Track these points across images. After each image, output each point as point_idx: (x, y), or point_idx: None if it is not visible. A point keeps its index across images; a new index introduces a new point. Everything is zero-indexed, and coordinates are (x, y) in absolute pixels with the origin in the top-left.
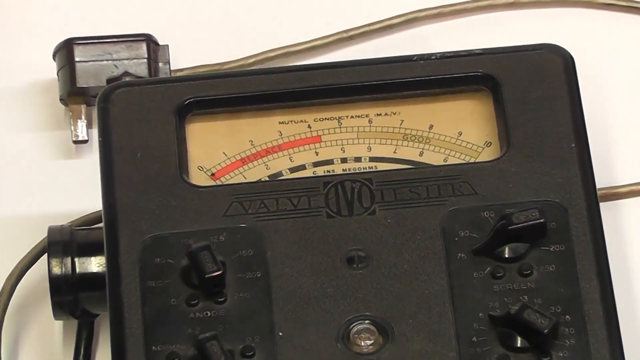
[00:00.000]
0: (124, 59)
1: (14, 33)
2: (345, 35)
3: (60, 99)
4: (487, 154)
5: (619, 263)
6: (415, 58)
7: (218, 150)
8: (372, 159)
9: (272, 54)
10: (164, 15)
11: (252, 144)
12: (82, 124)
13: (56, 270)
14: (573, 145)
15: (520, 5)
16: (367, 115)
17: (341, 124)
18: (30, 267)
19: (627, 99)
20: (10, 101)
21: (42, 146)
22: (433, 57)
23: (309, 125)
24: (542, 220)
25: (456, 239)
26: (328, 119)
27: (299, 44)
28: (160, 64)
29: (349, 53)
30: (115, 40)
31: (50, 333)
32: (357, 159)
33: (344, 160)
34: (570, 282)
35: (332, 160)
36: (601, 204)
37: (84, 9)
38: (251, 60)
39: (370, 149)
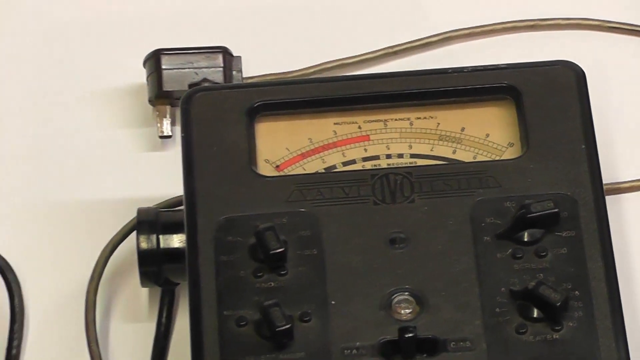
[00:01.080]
0: (203, 68)
1: (111, 44)
2: (390, 50)
3: (149, 101)
4: (510, 153)
5: (620, 248)
6: (449, 71)
7: (282, 146)
8: (412, 156)
9: (329, 65)
10: (238, 30)
11: (310, 141)
12: (167, 122)
13: (143, 245)
14: (583, 146)
15: (540, 27)
16: (408, 119)
17: (386, 125)
18: (121, 242)
19: (628, 109)
20: (107, 102)
21: (133, 140)
22: (465, 70)
23: (359, 126)
24: (555, 210)
25: (482, 224)
26: (375, 121)
27: (351, 57)
28: (234, 72)
29: (393, 65)
30: (196, 51)
31: (137, 299)
32: (400, 155)
33: (388, 156)
34: (579, 263)
35: (379, 156)
36: (606, 197)
37: (170, 24)
38: (311, 70)
39: (411, 147)
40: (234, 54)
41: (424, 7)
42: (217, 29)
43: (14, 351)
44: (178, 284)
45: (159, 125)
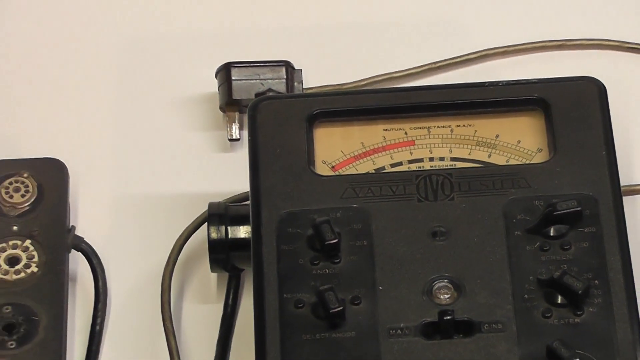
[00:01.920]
0: (268, 79)
1: (187, 58)
2: (434, 65)
3: (220, 108)
4: (539, 158)
5: (636, 243)
6: (486, 84)
7: (337, 149)
8: (452, 159)
9: (380, 78)
10: (299, 45)
11: (362, 145)
12: (235, 127)
13: (214, 235)
14: (603, 152)
15: (567, 47)
16: (449, 126)
17: (430, 132)
18: (194, 232)
19: None
20: (184, 108)
21: (205, 142)
22: (500, 84)
23: (405, 132)
24: (579, 208)
25: (514, 220)
26: (420, 128)
27: (399, 71)
28: (295, 83)
29: (436, 79)
30: (262, 64)
31: (207, 283)
32: (441, 159)
33: (431, 159)
34: (599, 256)
35: (422, 159)
36: (623, 198)
37: (239, 40)
38: (363, 82)
39: (451, 151)
40: (296, 67)
41: (465, 27)
42: (281, 44)
43: (97, 327)
44: (243, 269)
45: (228, 129)
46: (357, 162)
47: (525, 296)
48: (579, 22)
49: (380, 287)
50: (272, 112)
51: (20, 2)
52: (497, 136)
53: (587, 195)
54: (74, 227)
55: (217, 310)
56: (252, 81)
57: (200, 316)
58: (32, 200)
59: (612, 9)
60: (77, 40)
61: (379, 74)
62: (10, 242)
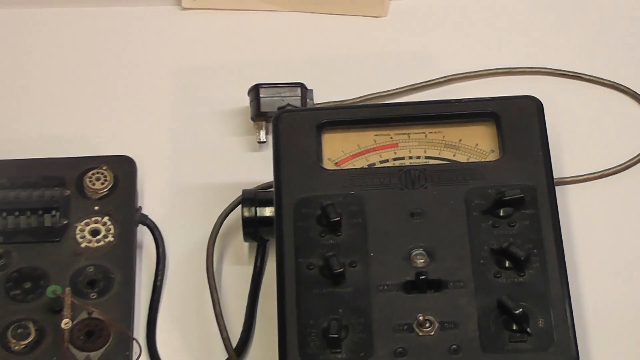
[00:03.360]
0: (287, 96)
1: (227, 81)
2: (412, 87)
3: (251, 118)
4: (492, 157)
5: (564, 221)
6: (452, 101)
7: (339, 149)
8: (426, 157)
9: (371, 96)
10: (311, 71)
11: (358, 147)
12: (263, 132)
13: (246, 213)
14: (540, 153)
15: (513, 73)
16: (424, 132)
17: (409, 137)
18: (231, 211)
19: (571, 127)
20: (224, 118)
21: (240, 144)
22: (462, 101)
23: (391, 137)
24: (521, 195)
25: (472, 204)
26: (402, 134)
27: (386, 91)
28: (308, 100)
29: (415, 96)
30: (282, 85)
31: (241, 250)
32: (418, 157)
33: (410, 157)
34: (537, 231)
35: (404, 157)
36: (555, 188)
37: (265, 66)
38: (358, 99)
39: (425, 151)
40: (308, 88)
41: (435, 57)
42: (297, 70)
43: (158, 283)
44: (268, 240)
45: (257, 134)
46: (355, 159)
47: (481, 261)
48: (522, 53)
49: (372, 254)
50: (290, 121)
51: (108, 34)
52: (460, 140)
53: (528, 185)
54: (140, 207)
55: (248, 271)
56: (275, 98)
57: (235, 275)
58: (109, 187)
59: (549, 44)
60: (146, 64)
61: (370, 93)
62: (93, 219)
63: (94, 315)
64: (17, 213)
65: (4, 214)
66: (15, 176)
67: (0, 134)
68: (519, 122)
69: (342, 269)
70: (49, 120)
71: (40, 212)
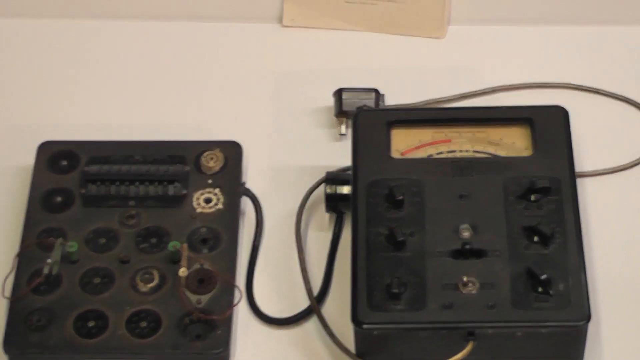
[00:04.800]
0: (364, 99)
1: (316, 84)
2: (464, 95)
3: (335, 115)
4: (526, 153)
5: (582, 206)
6: (495, 107)
7: (404, 143)
8: (473, 151)
9: (431, 101)
10: (383, 79)
11: (419, 141)
12: (343, 126)
13: (329, 190)
14: (565, 151)
15: (545, 87)
16: (472, 132)
17: (460, 134)
18: (316, 188)
19: (591, 131)
20: (313, 115)
21: (324, 135)
22: (504, 107)
23: (445, 134)
24: (549, 185)
25: (509, 190)
26: (454, 132)
27: (443, 97)
28: (380, 102)
29: (466, 103)
30: (360, 90)
31: (323, 219)
32: (466, 151)
33: (460, 151)
34: (560, 212)
35: (455, 150)
36: (576, 180)
37: (346, 75)
38: (421, 103)
39: (473, 147)
40: (381, 93)
41: (482, 72)
42: (372, 78)
43: (256, 243)
44: (345, 212)
45: (339, 128)
46: (416, 151)
47: (514, 236)
48: (553, 71)
49: (427, 227)
50: (366, 119)
51: (224, 45)
52: (500, 139)
53: (554, 177)
54: (244, 182)
55: (327, 237)
56: (354, 100)
57: (317, 240)
58: (221, 165)
59: (574, 64)
60: (253, 69)
61: (430, 98)
62: (207, 190)
63: (205, 266)
64: (147, 183)
65: (137, 184)
66: (147, 154)
67: (139, 119)
68: (548, 126)
69: (403, 238)
70: (175, 111)
71: (165, 183)
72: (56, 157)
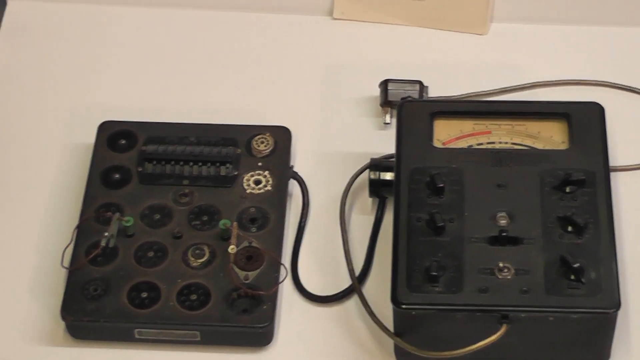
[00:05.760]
0: (409, 90)
1: (363, 75)
2: (504, 89)
3: (380, 104)
4: (562, 146)
5: (614, 199)
6: (534, 102)
7: (446, 132)
8: (512, 143)
9: (472, 94)
10: (428, 72)
11: (461, 132)
12: (388, 116)
13: (372, 176)
14: (600, 145)
15: (582, 84)
16: (511, 124)
17: (500, 127)
18: (360, 174)
19: (624, 126)
20: (360, 104)
21: (370, 124)
22: (542, 103)
23: (486, 126)
24: (584, 177)
25: (545, 181)
26: (494, 124)
27: (484, 91)
28: (424, 94)
29: (506, 97)
30: (405, 81)
31: (366, 203)
32: (505, 142)
33: (499, 142)
34: (594, 204)
35: (495, 142)
36: (610, 173)
37: (393, 66)
38: (462, 96)
39: (512, 138)
40: (425, 85)
41: (522, 67)
42: (416, 70)
43: (302, 224)
44: (387, 197)
45: (384, 117)
46: (457, 141)
47: (549, 225)
48: (589, 69)
49: (466, 214)
50: (410, 109)
51: (276, 35)
52: (538, 132)
53: (589, 170)
54: (293, 166)
55: (370, 220)
56: (399, 90)
57: (360, 222)
58: (270, 149)
59: (610, 63)
60: (304, 59)
61: (471, 92)
62: (256, 172)
63: (253, 244)
64: (200, 164)
65: (191, 164)
66: (201, 136)
67: (194, 103)
68: (585, 121)
69: (443, 224)
70: (229, 96)
71: (217, 164)
72: (115, 136)
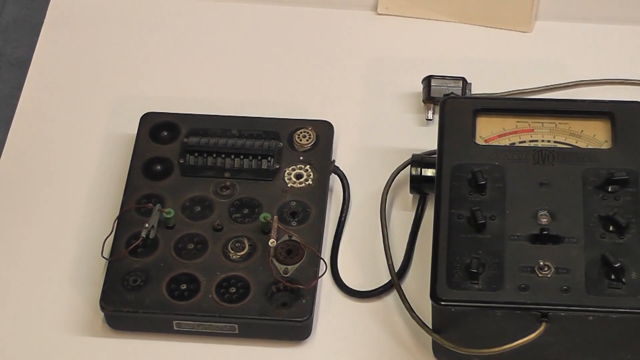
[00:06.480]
0: (451, 86)
1: (406, 71)
2: (548, 87)
3: (422, 101)
4: (605, 145)
5: None
6: (578, 101)
7: (489, 130)
8: (554, 142)
9: (515, 92)
10: (471, 69)
11: (503, 129)
12: (430, 112)
13: (414, 172)
14: None
15: (626, 83)
16: (554, 123)
17: (543, 125)
18: (402, 169)
19: None
20: (401, 100)
21: (412, 120)
22: (587, 101)
23: (529, 124)
24: (626, 177)
25: (587, 180)
26: (537, 122)
27: (528, 89)
28: (467, 91)
29: (549, 95)
30: (449, 78)
31: (407, 199)
32: (548, 141)
33: (542, 141)
34: (636, 204)
35: (537, 140)
36: None
37: (436, 63)
38: (505, 93)
39: (554, 137)
40: (468, 81)
41: (566, 66)
42: (459, 67)
43: (342, 219)
44: (428, 193)
45: (426, 113)
46: (500, 138)
47: (591, 224)
48: (634, 67)
49: (507, 211)
50: (453, 106)
51: (321, 30)
52: (582, 131)
53: (632, 169)
54: (334, 160)
55: (410, 216)
56: (442, 87)
57: (401, 218)
58: (312, 143)
59: None
60: (347, 54)
61: (514, 89)
62: (298, 166)
63: (293, 238)
64: (242, 157)
65: (233, 157)
66: (243, 129)
67: (236, 95)
68: (629, 121)
69: (484, 221)
70: (272, 90)
71: (259, 157)
72: (158, 127)
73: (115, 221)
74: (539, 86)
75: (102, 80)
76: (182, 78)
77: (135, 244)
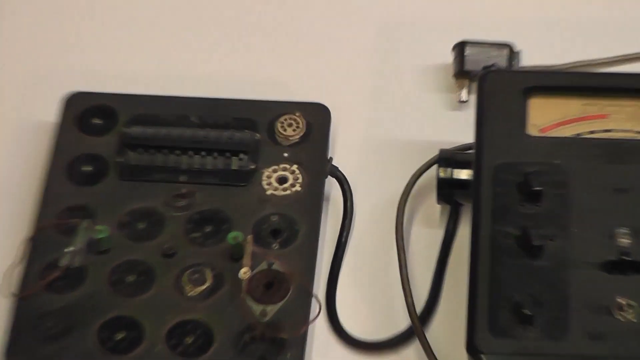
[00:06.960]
0: (494, 56)
1: (430, 36)
2: (629, 57)
3: (453, 75)
4: None
5: None
6: None
7: (545, 116)
8: (637, 132)
9: (580, 64)
10: (521, 31)
11: (565, 115)
12: (464, 91)
13: (442, 174)
14: None
15: None
16: (638, 105)
17: (621, 108)
18: (425, 171)
19: None
20: (423, 74)
21: (439, 102)
22: None
23: (601, 108)
24: None
25: None
26: (613, 105)
27: (595, 60)
28: (515, 62)
29: (624, 68)
30: (490, 44)
31: (433, 212)
32: (628, 131)
33: (620, 130)
34: None
35: (613, 129)
36: None
37: (472, 23)
38: (567, 66)
39: (636, 125)
40: (516, 49)
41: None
42: (505, 29)
43: (343, 239)
44: (462, 204)
45: (459, 93)
46: (560, 127)
47: None
48: None
49: (575, 230)
50: (496, 82)
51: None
52: None
53: None
54: (331, 158)
55: (438, 235)
56: (480, 57)
57: (424, 238)
58: (301, 134)
59: None
60: (351, 17)
61: (581, 60)
62: (281, 166)
63: (275, 266)
64: (204, 153)
65: (191, 153)
66: (205, 115)
67: (197, 70)
68: None
69: (540, 243)
70: (244, 61)
71: (228, 154)
72: (88, 113)
73: (26, 243)
74: (613, 56)
75: (12, 51)
76: (122, 47)
77: (53, 276)
